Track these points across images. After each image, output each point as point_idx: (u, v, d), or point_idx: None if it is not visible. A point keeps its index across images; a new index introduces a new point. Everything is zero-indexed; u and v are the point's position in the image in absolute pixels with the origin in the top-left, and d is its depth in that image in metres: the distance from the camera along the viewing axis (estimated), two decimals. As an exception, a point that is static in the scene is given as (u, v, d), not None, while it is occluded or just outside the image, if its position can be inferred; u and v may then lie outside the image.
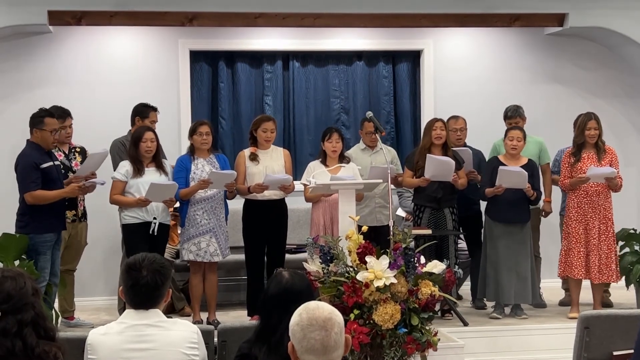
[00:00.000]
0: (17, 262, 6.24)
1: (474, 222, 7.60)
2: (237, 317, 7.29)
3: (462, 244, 7.85)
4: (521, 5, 8.24)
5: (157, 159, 6.84)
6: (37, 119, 6.47)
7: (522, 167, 7.12)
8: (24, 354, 2.55)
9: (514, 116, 7.80)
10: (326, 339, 2.63)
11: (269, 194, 6.96)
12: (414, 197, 7.48)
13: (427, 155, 7.07)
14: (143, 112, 7.30)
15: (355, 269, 5.30)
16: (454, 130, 7.65)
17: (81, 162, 7.11)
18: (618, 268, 7.25)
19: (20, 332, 2.56)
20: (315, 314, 2.66)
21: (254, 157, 7.05)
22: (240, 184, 7.00)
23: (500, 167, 7.02)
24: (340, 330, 2.67)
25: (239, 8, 7.92)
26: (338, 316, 2.70)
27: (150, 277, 3.32)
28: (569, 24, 8.32)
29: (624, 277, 7.32)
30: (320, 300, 4.09)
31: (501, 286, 7.12)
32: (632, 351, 3.34)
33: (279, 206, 7.06)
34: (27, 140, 6.55)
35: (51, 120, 6.50)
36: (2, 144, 8.01)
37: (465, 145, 7.80)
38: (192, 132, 6.99)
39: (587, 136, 7.23)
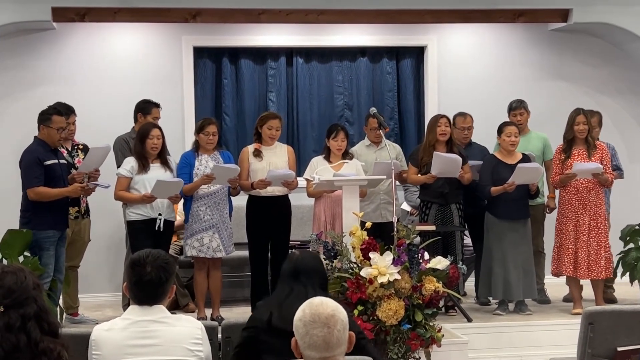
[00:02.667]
0: (21, 259, 6.25)
1: (480, 219, 7.59)
2: (241, 314, 7.27)
3: (467, 240, 7.84)
4: (525, 1, 8.24)
5: (163, 155, 6.84)
6: (45, 116, 6.50)
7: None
8: (28, 349, 2.55)
9: (518, 107, 7.78)
10: (328, 336, 2.62)
11: (273, 190, 6.96)
12: (420, 193, 7.46)
13: (434, 152, 7.04)
14: (145, 109, 7.30)
15: (359, 265, 5.31)
16: (462, 128, 7.61)
17: (84, 160, 7.11)
18: (611, 264, 7.23)
19: (24, 327, 2.56)
20: (318, 311, 2.65)
21: (257, 154, 7.04)
22: (244, 180, 7.00)
23: (519, 165, 7.01)
24: (344, 328, 2.66)
25: (242, 4, 7.92)
26: (342, 313, 2.68)
27: (155, 274, 3.32)
28: (573, 20, 8.31)
29: (628, 273, 7.31)
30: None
31: (510, 284, 7.09)
32: (636, 347, 3.34)
33: (283, 202, 7.05)
34: (35, 137, 6.57)
35: (59, 118, 6.51)
36: (6, 141, 8.01)
37: (471, 142, 7.78)
38: (200, 130, 6.95)
39: (576, 131, 7.20)
